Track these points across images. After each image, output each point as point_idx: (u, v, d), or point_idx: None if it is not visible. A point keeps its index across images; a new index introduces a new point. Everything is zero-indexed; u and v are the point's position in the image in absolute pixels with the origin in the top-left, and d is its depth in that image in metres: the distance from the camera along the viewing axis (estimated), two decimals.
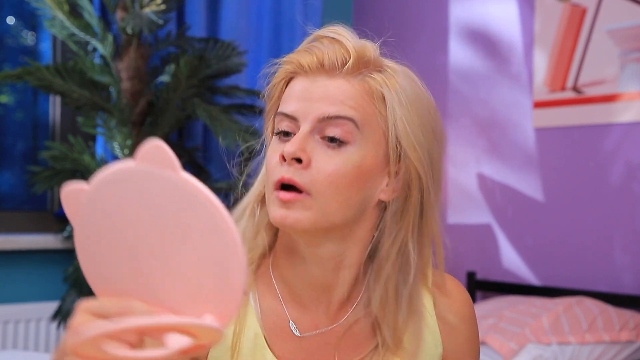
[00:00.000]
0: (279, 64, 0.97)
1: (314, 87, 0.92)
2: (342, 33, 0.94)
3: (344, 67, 0.92)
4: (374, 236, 0.96)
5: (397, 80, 0.94)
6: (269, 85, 0.98)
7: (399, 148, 0.92)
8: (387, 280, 0.94)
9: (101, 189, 0.69)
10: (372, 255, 0.97)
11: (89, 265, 0.72)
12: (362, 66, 0.93)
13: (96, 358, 0.64)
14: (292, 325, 0.98)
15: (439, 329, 1.01)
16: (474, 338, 1.06)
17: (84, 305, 0.69)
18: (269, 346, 0.97)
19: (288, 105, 0.93)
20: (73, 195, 0.71)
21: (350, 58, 0.92)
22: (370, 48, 0.95)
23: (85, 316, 0.68)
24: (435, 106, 0.97)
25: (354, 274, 0.97)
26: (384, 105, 0.92)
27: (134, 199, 0.68)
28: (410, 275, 0.95)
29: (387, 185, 0.94)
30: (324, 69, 0.92)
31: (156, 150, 0.66)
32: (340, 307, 0.99)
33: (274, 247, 1.00)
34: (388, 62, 0.97)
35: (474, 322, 1.06)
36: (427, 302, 1.01)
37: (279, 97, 0.96)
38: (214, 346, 0.67)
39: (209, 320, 0.64)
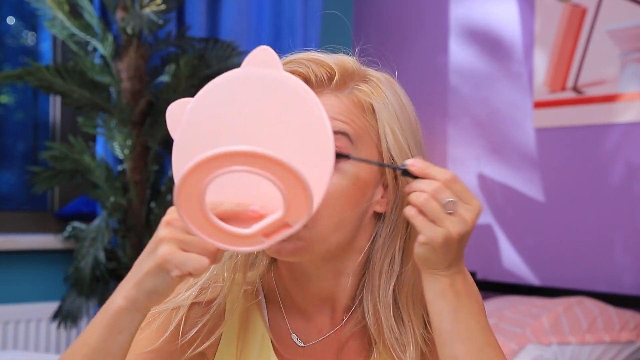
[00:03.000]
0: None
1: None
2: (315, 54, 0.94)
3: (331, 82, 0.92)
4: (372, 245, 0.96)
5: (382, 89, 0.94)
6: None
7: (391, 158, 0.92)
8: (379, 293, 0.94)
9: (208, 95, 0.78)
10: (367, 263, 0.97)
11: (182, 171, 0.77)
12: (348, 78, 0.93)
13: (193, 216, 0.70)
14: (294, 337, 0.99)
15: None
16: None
17: (173, 208, 0.75)
18: (274, 350, 0.97)
19: None
20: (178, 107, 0.79)
21: (336, 72, 0.92)
22: (349, 60, 0.95)
23: (175, 214, 0.74)
24: (415, 113, 0.97)
25: (353, 280, 0.97)
26: (374, 117, 0.92)
27: (236, 99, 0.76)
28: (401, 285, 0.94)
29: (382, 197, 0.94)
30: (310, 86, 0.91)
31: (261, 53, 0.77)
32: (343, 312, 0.99)
33: (277, 262, 1.01)
34: (370, 71, 0.97)
35: None
36: None
37: None
38: (298, 218, 0.70)
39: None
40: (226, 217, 0.73)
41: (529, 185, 2.81)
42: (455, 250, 0.83)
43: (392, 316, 0.93)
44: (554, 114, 2.73)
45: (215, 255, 0.76)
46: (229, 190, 0.74)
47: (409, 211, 0.83)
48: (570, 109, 2.69)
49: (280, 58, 0.96)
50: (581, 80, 2.66)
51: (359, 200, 0.91)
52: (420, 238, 0.82)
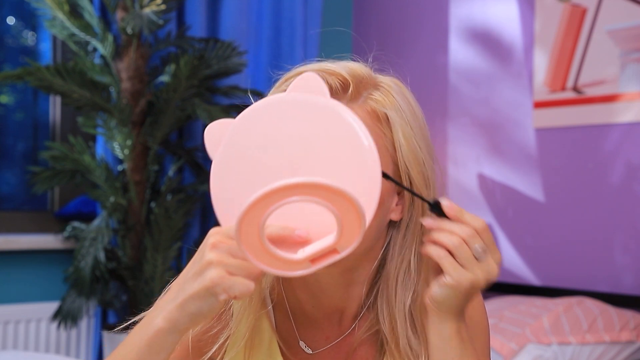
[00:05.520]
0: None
1: None
2: (325, 64, 0.93)
3: (346, 92, 0.90)
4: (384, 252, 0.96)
5: (394, 96, 0.93)
6: None
7: (405, 167, 0.92)
8: (396, 300, 0.94)
9: (251, 117, 0.77)
10: (379, 270, 0.97)
11: (221, 193, 0.78)
12: (362, 87, 0.92)
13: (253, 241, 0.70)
14: (302, 345, 0.99)
15: None
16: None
17: (216, 229, 0.76)
18: (283, 357, 0.98)
19: None
20: (218, 126, 0.79)
21: (350, 82, 0.90)
22: (360, 67, 0.94)
23: (220, 235, 0.75)
24: (422, 114, 0.96)
25: (364, 289, 0.97)
26: (388, 126, 0.91)
27: (282, 123, 0.76)
28: (416, 295, 0.94)
29: (396, 205, 0.94)
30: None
31: (308, 79, 0.76)
32: (351, 321, 0.99)
33: None
34: (380, 77, 0.96)
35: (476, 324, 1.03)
36: None
37: None
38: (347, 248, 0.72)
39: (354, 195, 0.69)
40: (271, 240, 0.73)
41: (529, 185, 2.81)
42: (472, 297, 0.84)
43: (408, 326, 0.93)
44: (554, 114, 2.73)
45: (259, 278, 0.76)
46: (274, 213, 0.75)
47: (436, 251, 0.82)
48: (570, 109, 2.69)
49: (284, 66, 0.96)
50: (581, 80, 2.66)
51: (377, 210, 0.90)
52: (447, 280, 0.82)
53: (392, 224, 0.95)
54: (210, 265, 0.74)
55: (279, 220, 0.73)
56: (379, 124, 0.91)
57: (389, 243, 0.95)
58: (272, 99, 0.77)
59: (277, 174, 0.75)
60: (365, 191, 0.74)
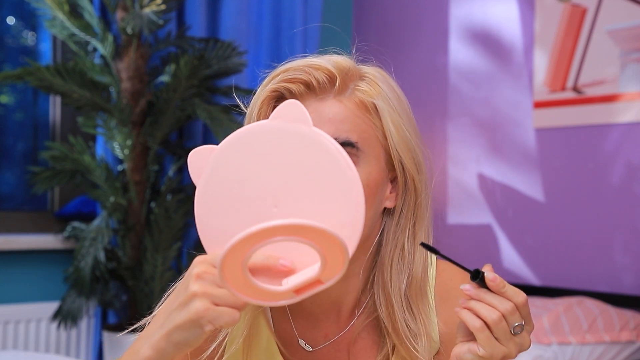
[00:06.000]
0: (264, 86, 0.95)
1: None
2: (310, 59, 0.93)
3: (333, 86, 0.92)
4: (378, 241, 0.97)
5: (380, 85, 0.94)
6: (250, 106, 0.97)
7: (397, 154, 0.93)
8: (391, 285, 0.95)
9: (234, 145, 0.77)
10: (375, 257, 0.97)
11: (206, 220, 0.78)
12: (348, 79, 0.93)
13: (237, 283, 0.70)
14: (302, 343, 0.99)
15: (438, 328, 1.02)
16: None
17: (201, 258, 0.76)
18: (281, 355, 0.98)
19: None
20: (201, 153, 0.78)
21: (337, 76, 0.92)
22: (344, 59, 0.95)
23: (205, 265, 0.74)
24: (406, 98, 0.98)
25: (361, 281, 0.97)
26: (377, 116, 0.93)
27: (265, 152, 0.75)
28: (410, 278, 0.95)
29: (390, 192, 0.95)
30: (312, 92, 0.92)
31: (290, 107, 0.75)
32: (349, 315, 0.99)
33: None
34: (364, 68, 0.97)
35: None
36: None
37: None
38: (325, 282, 0.72)
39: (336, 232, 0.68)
40: (256, 269, 0.73)
41: (529, 185, 2.81)
42: None
43: (405, 309, 0.94)
44: (554, 114, 2.73)
45: (244, 307, 0.76)
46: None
47: (473, 321, 0.82)
48: (570, 109, 2.69)
49: (279, 61, 0.96)
50: (581, 80, 2.66)
51: (373, 199, 0.92)
52: (480, 352, 0.82)
53: (385, 211, 0.96)
54: (195, 296, 0.74)
55: (264, 248, 0.72)
56: (368, 114, 0.92)
57: (382, 229, 0.96)
58: (254, 127, 0.76)
59: (259, 204, 0.74)
60: (348, 221, 0.73)
